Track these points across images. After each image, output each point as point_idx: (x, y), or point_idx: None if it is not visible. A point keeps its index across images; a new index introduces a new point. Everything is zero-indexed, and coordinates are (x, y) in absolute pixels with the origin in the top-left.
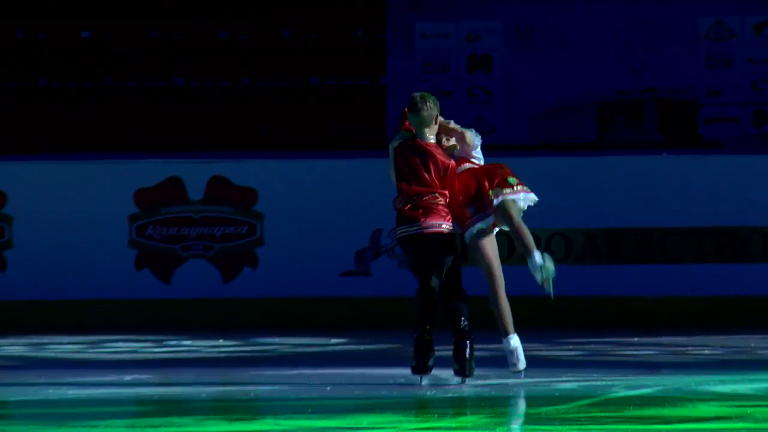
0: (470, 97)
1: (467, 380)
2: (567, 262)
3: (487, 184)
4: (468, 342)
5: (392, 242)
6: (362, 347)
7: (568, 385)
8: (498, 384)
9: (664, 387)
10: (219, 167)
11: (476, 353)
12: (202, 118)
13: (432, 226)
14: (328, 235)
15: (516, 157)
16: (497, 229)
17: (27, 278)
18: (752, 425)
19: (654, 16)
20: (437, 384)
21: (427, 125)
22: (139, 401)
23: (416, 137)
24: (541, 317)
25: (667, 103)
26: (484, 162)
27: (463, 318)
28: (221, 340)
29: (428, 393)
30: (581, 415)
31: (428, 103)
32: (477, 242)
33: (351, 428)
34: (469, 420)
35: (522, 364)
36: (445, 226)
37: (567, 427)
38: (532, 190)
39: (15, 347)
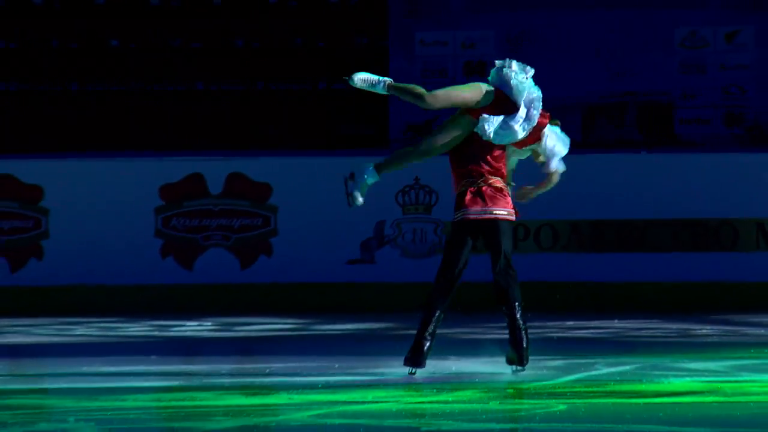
0: None
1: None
2: (554, 250)
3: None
4: (524, 333)
5: (395, 233)
6: (367, 328)
7: (555, 363)
8: (491, 361)
9: (641, 364)
10: (237, 164)
11: (473, 336)
12: (221, 119)
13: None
14: (336, 227)
15: None
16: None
17: (61, 265)
18: (722, 399)
19: (634, 26)
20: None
21: None
22: (164, 377)
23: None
24: (529, 301)
25: (646, 106)
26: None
27: (517, 304)
28: (239, 322)
29: (428, 370)
30: (567, 390)
31: None
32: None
33: (357, 402)
34: (464, 394)
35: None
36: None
37: (554, 400)
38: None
39: (51, 327)
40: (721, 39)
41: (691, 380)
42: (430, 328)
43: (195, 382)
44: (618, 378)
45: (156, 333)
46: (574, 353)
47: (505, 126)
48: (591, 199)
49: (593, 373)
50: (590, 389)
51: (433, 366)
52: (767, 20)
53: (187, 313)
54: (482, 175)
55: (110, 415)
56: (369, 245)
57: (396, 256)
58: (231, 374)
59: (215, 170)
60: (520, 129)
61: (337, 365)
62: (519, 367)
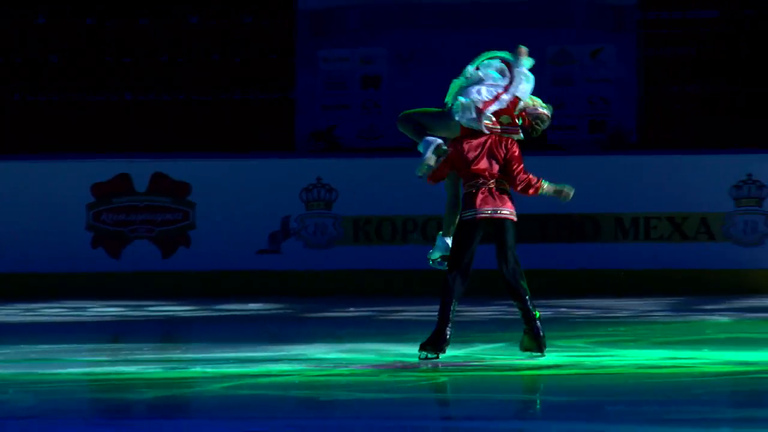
0: (363, 109)
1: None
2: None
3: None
4: (538, 324)
5: (299, 226)
6: (274, 309)
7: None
8: (381, 337)
9: (514, 342)
10: (160, 165)
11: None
12: (146, 126)
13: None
14: (247, 221)
15: (401, 158)
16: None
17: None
18: (582, 371)
19: (511, 43)
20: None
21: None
22: (94, 353)
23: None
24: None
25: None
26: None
27: (528, 297)
28: (160, 305)
29: (330, 349)
30: (449, 364)
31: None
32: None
33: (264, 375)
34: (359, 370)
35: None
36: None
37: (438, 373)
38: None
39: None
40: (586, 55)
41: (557, 355)
42: (451, 316)
43: (121, 357)
44: (493, 354)
45: (86, 315)
46: (458, 333)
47: (464, 94)
48: None
49: (473, 349)
50: (470, 363)
51: (330, 346)
52: (627, 40)
53: (114, 298)
54: (493, 176)
55: (46, 387)
56: (276, 237)
57: (300, 246)
58: (153, 351)
59: (140, 170)
60: (476, 92)
61: (246, 343)
62: (538, 354)
